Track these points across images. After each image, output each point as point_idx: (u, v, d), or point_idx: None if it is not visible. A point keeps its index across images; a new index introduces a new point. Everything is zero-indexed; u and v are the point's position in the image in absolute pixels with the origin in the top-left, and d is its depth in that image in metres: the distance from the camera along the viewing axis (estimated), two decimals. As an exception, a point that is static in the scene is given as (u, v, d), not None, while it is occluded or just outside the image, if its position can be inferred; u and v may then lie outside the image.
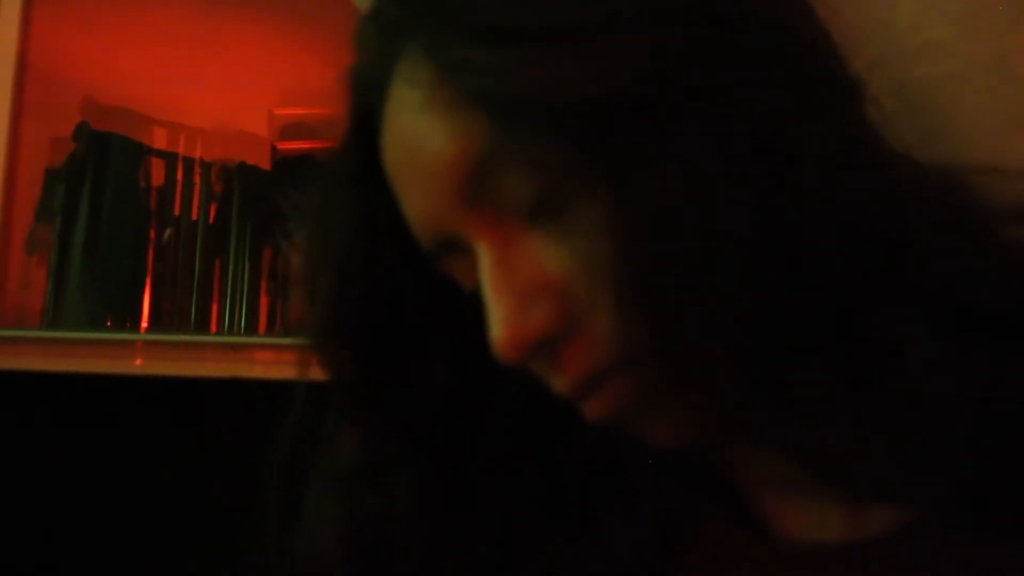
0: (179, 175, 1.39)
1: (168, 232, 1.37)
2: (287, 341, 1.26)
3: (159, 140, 1.41)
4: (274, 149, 1.39)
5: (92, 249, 1.32)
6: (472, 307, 0.40)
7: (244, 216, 1.37)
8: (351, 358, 0.43)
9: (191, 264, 1.35)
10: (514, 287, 0.36)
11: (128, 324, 1.33)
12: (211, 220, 1.38)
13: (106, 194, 1.34)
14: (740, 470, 0.43)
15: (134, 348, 1.29)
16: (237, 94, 1.42)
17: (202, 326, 1.34)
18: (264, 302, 1.36)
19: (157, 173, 1.39)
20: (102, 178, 1.35)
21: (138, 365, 1.27)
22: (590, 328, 0.35)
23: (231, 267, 1.36)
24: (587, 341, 0.35)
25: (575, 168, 0.34)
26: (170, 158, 1.40)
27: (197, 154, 1.40)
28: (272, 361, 1.26)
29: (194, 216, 1.38)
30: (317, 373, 0.44)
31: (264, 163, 1.40)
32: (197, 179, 1.40)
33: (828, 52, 0.37)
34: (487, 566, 0.44)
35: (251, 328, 1.35)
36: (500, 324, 0.36)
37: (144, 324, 1.33)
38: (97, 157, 1.35)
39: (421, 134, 0.36)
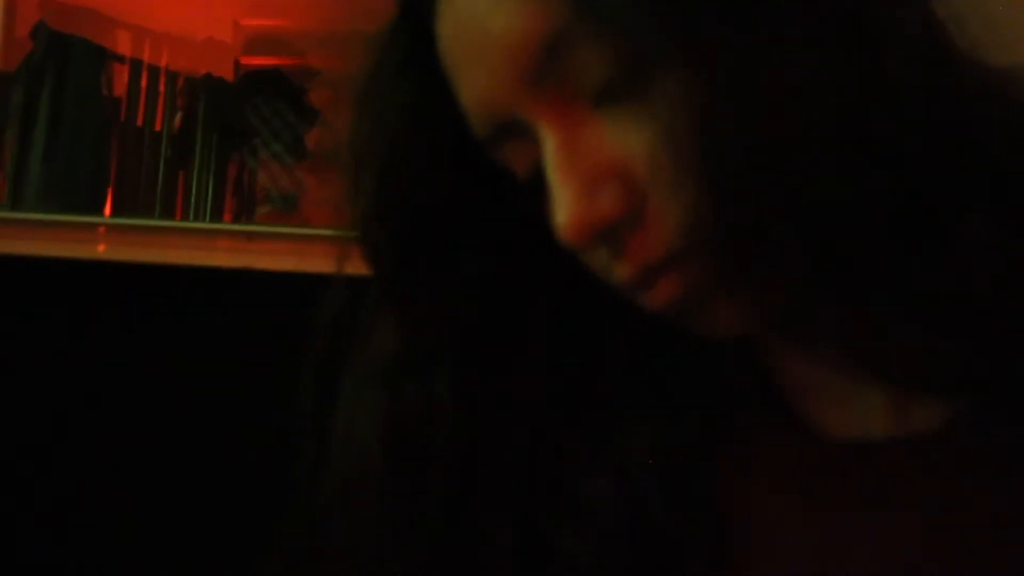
0: (143, 83, 1.35)
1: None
2: (256, 228, 1.27)
3: (123, 45, 1.37)
4: (237, 64, 1.35)
5: (51, 158, 1.29)
6: (522, 197, 0.40)
7: (209, 129, 1.34)
8: (394, 247, 0.43)
9: (154, 176, 1.33)
10: (580, 171, 0.35)
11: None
12: (175, 132, 1.34)
13: (66, 101, 1.30)
14: (782, 368, 0.43)
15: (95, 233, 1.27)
16: (203, 1, 1.37)
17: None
18: (228, 218, 1.34)
19: (119, 80, 1.35)
20: (62, 83, 1.30)
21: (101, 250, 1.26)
22: (658, 214, 0.35)
23: (195, 180, 1.33)
24: (655, 227, 0.35)
25: (655, 44, 0.33)
26: (134, 65, 1.35)
27: (162, 62, 1.36)
28: (237, 249, 1.25)
29: (157, 127, 1.35)
30: (351, 266, 0.44)
31: (228, 75, 1.36)
32: (162, 88, 1.36)
33: None
34: (526, 460, 0.44)
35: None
36: (566, 209, 0.35)
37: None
38: (57, 60, 1.31)
39: (486, 10, 0.35)
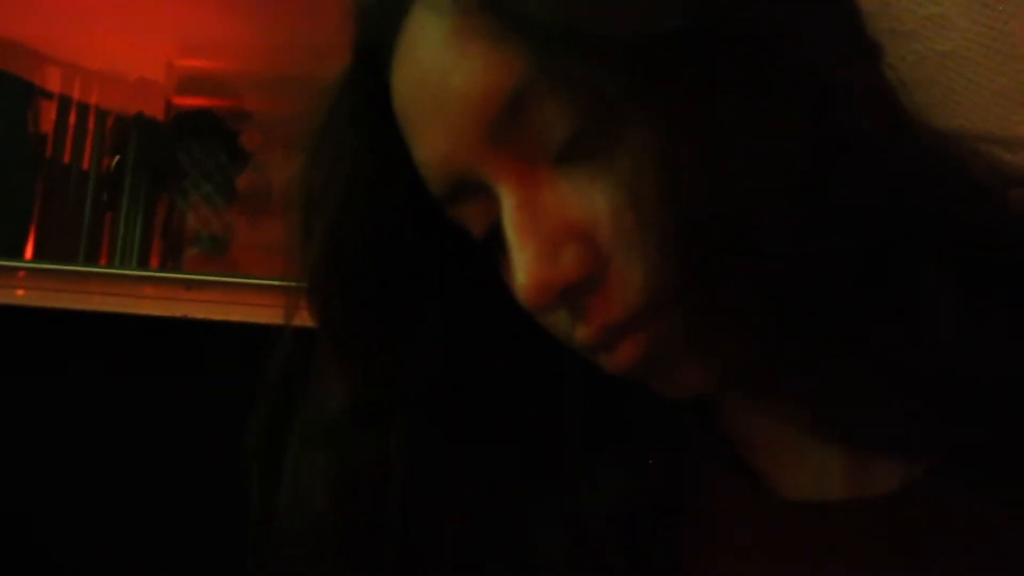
0: (71, 120, 1.32)
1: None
2: (179, 276, 1.21)
3: (52, 81, 1.34)
4: (169, 104, 1.34)
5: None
6: (475, 254, 0.39)
7: (138, 169, 1.31)
8: (344, 299, 0.41)
9: (80, 216, 1.29)
10: (541, 232, 0.34)
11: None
12: (105, 171, 1.31)
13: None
14: (740, 426, 0.43)
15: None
16: (137, 40, 1.35)
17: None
18: (155, 263, 1.31)
19: (47, 117, 1.31)
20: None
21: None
22: (620, 274, 0.34)
23: (122, 222, 1.30)
24: (617, 287, 0.34)
25: (619, 102, 0.33)
26: (63, 101, 1.32)
27: (92, 100, 1.33)
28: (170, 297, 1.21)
29: (85, 166, 1.31)
30: (302, 318, 0.43)
31: (160, 115, 1.34)
32: (91, 126, 1.33)
33: (857, 9, 0.38)
34: (481, 516, 0.43)
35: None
36: (525, 270, 0.34)
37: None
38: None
39: (446, 66, 0.35)
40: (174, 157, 1.28)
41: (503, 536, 0.42)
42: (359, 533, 0.42)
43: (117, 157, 1.32)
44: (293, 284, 0.42)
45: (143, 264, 1.30)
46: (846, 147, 0.33)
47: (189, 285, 1.15)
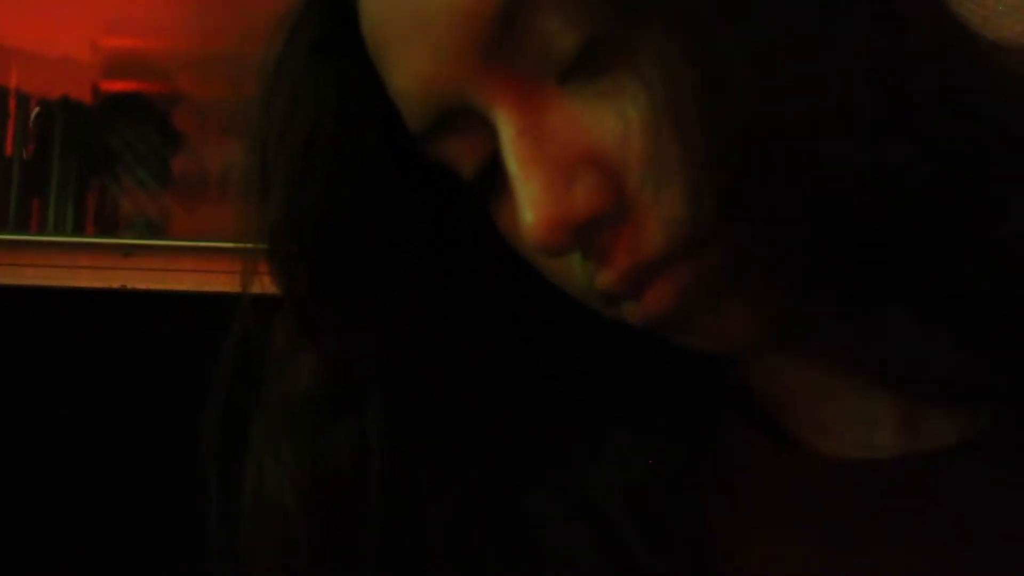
0: (-8, 104, 1.26)
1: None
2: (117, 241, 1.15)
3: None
4: (95, 89, 1.29)
5: None
6: (459, 200, 0.35)
7: (66, 154, 1.26)
8: (310, 265, 0.36)
9: (5, 204, 1.24)
10: (549, 160, 0.30)
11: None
12: (29, 157, 1.26)
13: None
14: (766, 380, 0.38)
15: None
16: (59, 18, 1.30)
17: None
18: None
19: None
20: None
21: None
22: (646, 206, 0.29)
23: (51, 208, 1.25)
24: (643, 222, 0.29)
25: (644, 5, 0.28)
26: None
27: (12, 83, 1.28)
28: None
29: (8, 151, 1.26)
30: (261, 285, 0.38)
31: (86, 97, 1.28)
32: (12, 110, 1.27)
33: None
34: (477, 507, 0.37)
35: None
36: (534, 205, 0.29)
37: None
38: None
39: None
40: (104, 141, 1.24)
41: (505, 527, 0.38)
42: (335, 534, 0.37)
43: (43, 141, 1.27)
44: (249, 246, 0.37)
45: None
46: (910, 55, 0.29)
47: (128, 251, 1.08)
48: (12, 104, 1.27)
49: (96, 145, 1.25)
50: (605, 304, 0.33)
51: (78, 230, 1.25)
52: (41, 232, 1.25)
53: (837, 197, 0.28)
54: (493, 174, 0.33)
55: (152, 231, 1.25)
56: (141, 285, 1.06)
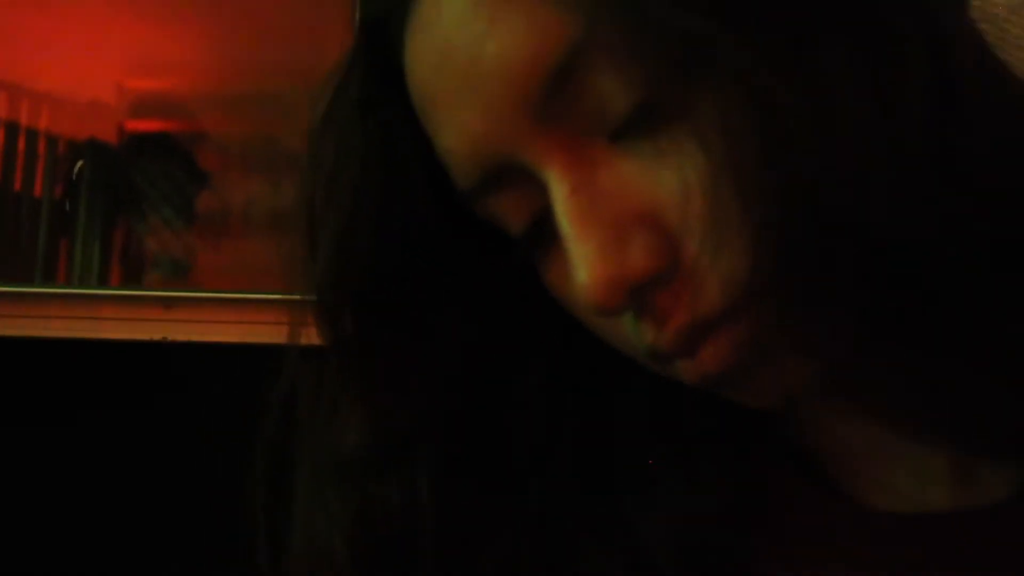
0: (21, 146, 1.29)
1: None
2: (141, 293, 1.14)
3: (-1, 106, 1.30)
4: (121, 128, 1.30)
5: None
6: (511, 254, 0.35)
7: (93, 195, 1.28)
8: (358, 318, 0.36)
9: (34, 244, 1.26)
10: (602, 219, 0.29)
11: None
12: (57, 198, 1.28)
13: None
14: (815, 432, 0.38)
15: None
16: (85, 61, 1.32)
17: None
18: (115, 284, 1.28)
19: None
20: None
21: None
22: (700, 265, 0.29)
23: (79, 247, 1.26)
24: (698, 281, 0.29)
25: (698, 63, 0.28)
26: (10, 127, 1.29)
27: (42, 125, 1.30)
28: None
29: (37, 193, 1.28)
30: (308, 336, 0.38)
31: (112, 138, 1.30)
32: (41, 152, 1.29)
33: None
34: (529, 558, 0.37)
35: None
36: (589, 265, 0.29)
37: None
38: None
39: (477, 32, 0.30)
40: (130, 180, 1.25)
41: (555, 575, 0.37)
42: None
43: (71, 182, 1.28)
44: (296, 298, 0.37)
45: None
46: (964, 109, 0.29)
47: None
48: (42, 146, 1.29)
49: (122, 184, 1.27)
50: (657, 361, 0.32)
51: (104, 270, 1.27)
52: (69, 279, 1.26)
53: (895, 252, 0.27)
54: (540, 229, 0.33)
55: (177, 268, 1.25)
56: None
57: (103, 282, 1.26)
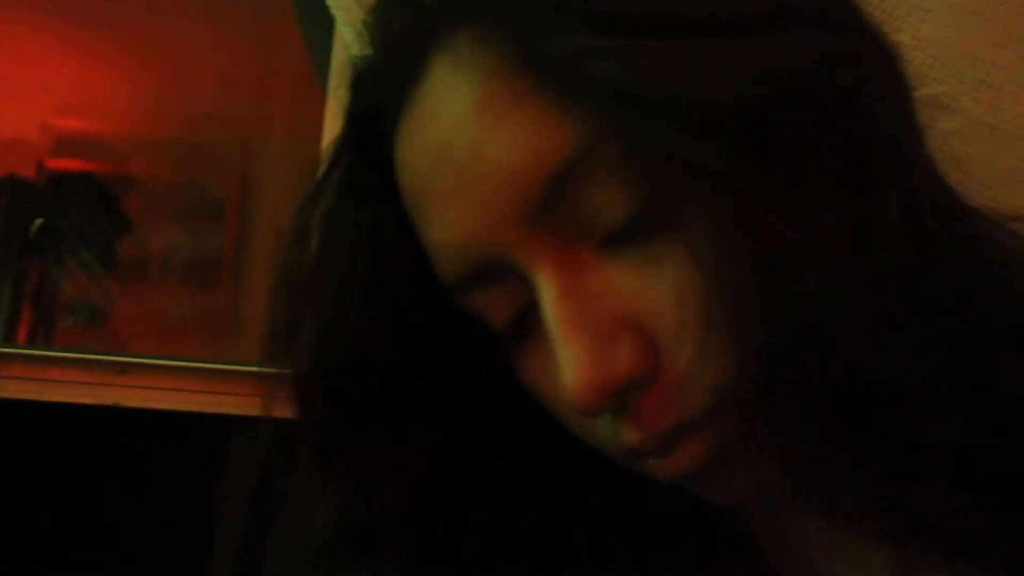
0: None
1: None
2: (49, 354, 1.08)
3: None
4: (41, 166, 1.27)
5: None
6: (486, 350, 0.35)
7: (9, 232, 1.23)
8: (334, 405, 0.36)
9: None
10: (589, 323, 0.30)
11: None
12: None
13: None
14: (769, 526, 0.38)
15: None
16: (9, 98, 1.29)
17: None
18: (23, 334, 1.22)
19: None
20: None
21: None
22: (680, 370, 0.30)
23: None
24: (677, 384, 0.30)
25: (692, 179, 0.29)
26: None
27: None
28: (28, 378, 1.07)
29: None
30: (279, 410, 0.37)
31: (32, 175, 1.26)
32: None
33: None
34: None
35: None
36: (575, 368, 0.30)
37: None
38: None
39: (477, 136, 0.30)
40: (47, 221, 1.21)
41: None
42: None
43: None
44: (271, 371, 0.36)
45: (10, 337, 1.20)
46: (926, 234, 0.30)
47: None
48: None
49: (41, 225, 1.22)
50: (629, 458, 0.33)
51: (15, 311, 1.21)
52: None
53: (869, 369, 0.29)
54: (521, 324, 0.33)
55: (93, 315, 1.21)
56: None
57: (11, 327, 1.21)
